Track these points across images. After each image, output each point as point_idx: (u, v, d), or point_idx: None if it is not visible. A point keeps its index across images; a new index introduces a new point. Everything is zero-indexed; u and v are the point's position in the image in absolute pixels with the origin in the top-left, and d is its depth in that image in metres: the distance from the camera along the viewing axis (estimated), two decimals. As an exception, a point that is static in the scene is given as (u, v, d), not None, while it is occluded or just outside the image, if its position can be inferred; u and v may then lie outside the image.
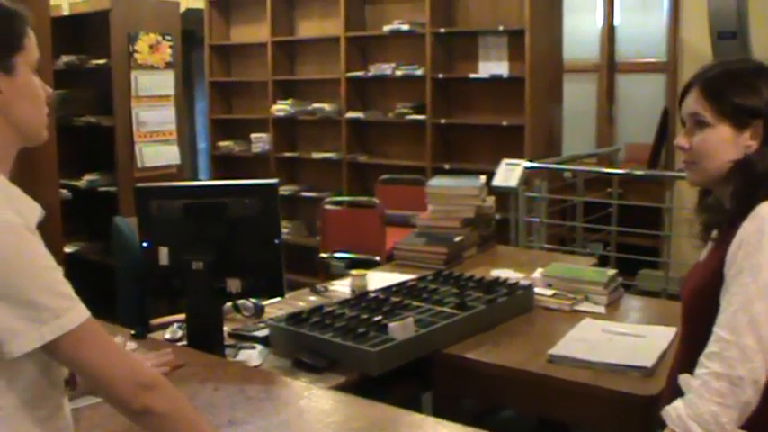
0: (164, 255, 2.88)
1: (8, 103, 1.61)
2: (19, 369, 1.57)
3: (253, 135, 8.30)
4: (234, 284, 2.86)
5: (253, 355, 2.82)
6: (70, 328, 1.53)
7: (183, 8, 6.85)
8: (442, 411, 2.48)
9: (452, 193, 4.20)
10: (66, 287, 1.57)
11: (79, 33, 6.56)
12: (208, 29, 8.62)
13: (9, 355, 1.50)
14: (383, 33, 7.22)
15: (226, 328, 2.96)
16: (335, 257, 5.58)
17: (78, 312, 1.56)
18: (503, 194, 5.56)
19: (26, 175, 4.39)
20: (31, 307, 1.50)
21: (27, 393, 1.59)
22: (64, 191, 5.93)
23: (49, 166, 4.95)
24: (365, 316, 2.94)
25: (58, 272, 1.57)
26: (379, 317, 2.91)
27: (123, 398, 1.61)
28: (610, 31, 7.82)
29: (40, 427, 1.62)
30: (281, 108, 7.97)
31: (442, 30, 6.86)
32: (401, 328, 2.74)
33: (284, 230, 7.68)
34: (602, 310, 3.27)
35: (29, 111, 1.66)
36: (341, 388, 2.51)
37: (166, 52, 6.50)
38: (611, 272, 3.50)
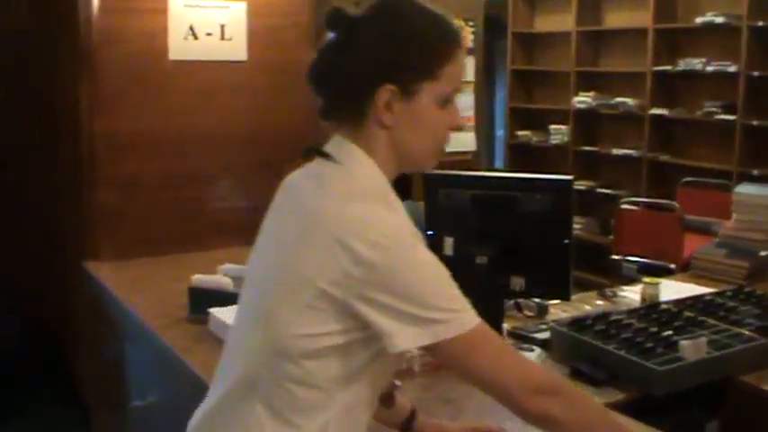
0: (449, 245, 2.83)
1: (396, 125, 1.60)
2: (374, 371, 1.60)
3: (552, 126, 8.18)
4: (518, 282, 2.77)
5: (530, 358, 2.71)
6: (461, 333, 1.51)
7: (487, -6, 6.83)
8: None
9: (762, 202, 3.86)
10: (457, 291, 1.55)
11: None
12: (512, 16, 8.57)
13: (392, 349, 1.50)
14: (695, 26, 6.85)
15: (505, 326, 2.87)
16: (628, 260, 5.38)
17: (469, 317, 1.54)
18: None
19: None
20: (422, 306, 1.49)
21: (363, 394, 1.61)
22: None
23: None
24: (654, 329, 2.74)
25: (447, 275, 1.55)
26: (669, 332, 2.70)
27: (518, 402, 1.58)
28: None
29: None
30: (583, 100, 7.79)
31: (761, 23, 6.37)
32: (693, 348, 2.53)
33: (576, 227, 7.52)
34: None
35: (412, 139, 1.63)
36: (620, 405, 2.34)
37: (468, 38, 6.49)
38: None
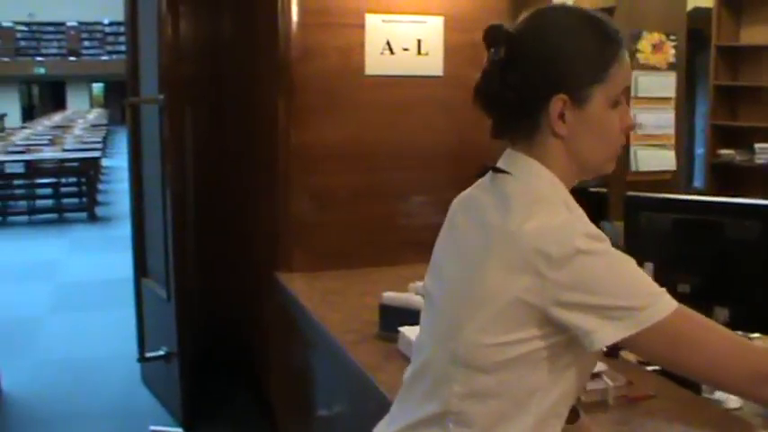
0: (648, 271, 2.70)
1: (571, 134, 1.57)
2: (568, 380, 1.55)
3: (757, 145, 7.81)
4: (721, 313, 2.61)
5: (731, 396, 2.54)
6: (662, 317, 1.44)
7: (689, 6, 6.56)
8: None
9: None
10: (650, 279, 1.49)
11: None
12: (716, 29, 8.23)
13: (592, 347, 1.46)
14: None
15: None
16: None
17: (668, 301, 1.46)
18: None
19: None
20: (619, 296, 1.45)
21: (558, 406, 1.57)
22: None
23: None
24: None
25: (636, 266, 1.50)
26: None
27: (747, 395, 1.54)
28: None
29: None
30: (793, 119, 7.38)
31: None
32: None
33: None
34: None
35: (591, 145, 1.60)
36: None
37: (669, 53, 6.26)
38: None
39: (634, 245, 2.76)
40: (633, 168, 6.16)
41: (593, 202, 6.18)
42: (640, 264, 2.61)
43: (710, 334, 1.49)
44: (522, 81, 1.57)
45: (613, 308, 1.43)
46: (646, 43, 6.13)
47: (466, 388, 1.55)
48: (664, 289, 1.47)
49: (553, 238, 1.46)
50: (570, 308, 1.45)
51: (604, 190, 6.20)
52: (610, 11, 6.04)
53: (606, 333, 1.44)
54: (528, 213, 1.51)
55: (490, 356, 1.51)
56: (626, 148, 6.13)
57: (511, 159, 1.62)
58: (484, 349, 1.51)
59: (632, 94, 6.14)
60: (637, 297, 1.44)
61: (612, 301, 1.44)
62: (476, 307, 1.53)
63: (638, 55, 6.12)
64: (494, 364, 1.51)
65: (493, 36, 1.60)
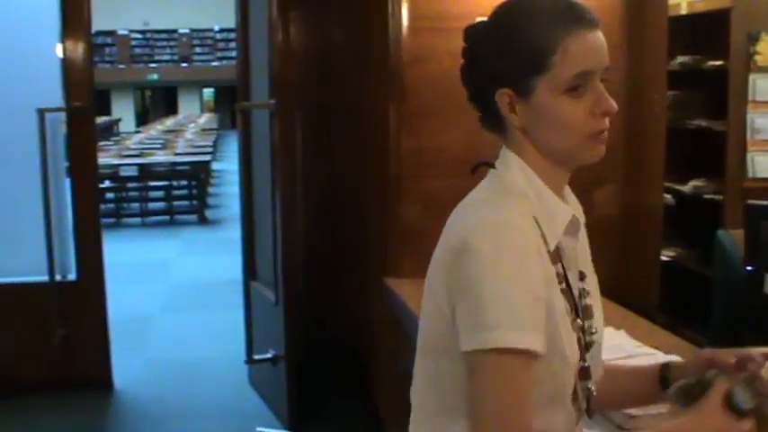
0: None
1: (527, 125, 1.56)
2: (447, 371, 1.54)
3: None
4: None
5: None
6: (486, 347, 1.39)
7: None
8: None
9: None
10: (522, 308, 1.41)
11: (697, 33, 6.36)
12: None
13: (462, 347, 1.45)
14: None
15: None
16: None
17: (511, 338, 1.39)
18: None
19: (632, 176, 4.36)
20: (481, 308, 1.41)
21: (447, 399, 1.55)
22: (668, 195, 5.80)
23: (656, 169, 4.86)
24: None
25: (523, 291, 1.42)
26: None
27: None
28: None
29: None
30: None
31: None
32: None
33: None
34: None
35: (547, 134, 1.56)
36: None
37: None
38: None
39: (755, 255, 2.67)
40: (750, 174, 5.97)
41: (708, 209, 6.01)
42: (761, 275, 2.55)
43: (507, 389, 1.40)
44: (478, 77, 1.60)
45: (468, 315, 1.43)
46: (764, 45, 5.93)
47: (422, 371, 1.61)
48: (524, 324, 1.40)
49: (457, 229, 1.51)
50: (456, 303, 1.46)
51: (720, 197, 6.03)
52: (725, 12, 5.87)
53: (461, 341, 1.44)
54: (466, 209, 1.59)
55: (432, 342, 1.56)
56: (743, 153, 5.95)
57: (500, 153, 1.64)
58: (434, 336, 1.55)
59: (749, 97, 5.95)
60: (486, 315, 1.40)
61: (468, 307, 1.43)
62: (426, 297, 1.59)
63: (756, 57, 5.92)
64: (434, 349, 1.55)
65: (464, 35, 1.64)
